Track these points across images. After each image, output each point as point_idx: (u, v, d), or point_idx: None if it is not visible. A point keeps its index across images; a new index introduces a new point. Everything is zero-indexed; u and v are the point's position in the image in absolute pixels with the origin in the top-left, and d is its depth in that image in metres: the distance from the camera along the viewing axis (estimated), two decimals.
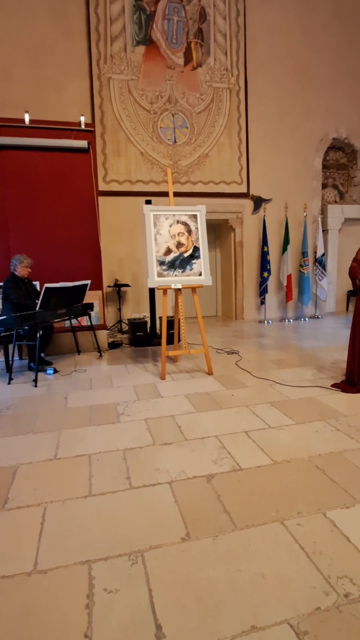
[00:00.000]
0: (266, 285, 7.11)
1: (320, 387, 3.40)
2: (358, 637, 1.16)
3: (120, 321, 6.43)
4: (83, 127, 5.01)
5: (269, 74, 7.05)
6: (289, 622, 1.21)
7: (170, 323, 5.10)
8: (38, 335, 3.83)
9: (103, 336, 5.12)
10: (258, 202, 7.20)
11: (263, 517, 1.69)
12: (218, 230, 7.86)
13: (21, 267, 4.16)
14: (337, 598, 1.29)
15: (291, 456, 2.21)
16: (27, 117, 4.78)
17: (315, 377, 3.69)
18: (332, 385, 3.41)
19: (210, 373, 3.90)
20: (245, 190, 7.13)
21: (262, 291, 7.16)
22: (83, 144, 4.90)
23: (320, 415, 2.79)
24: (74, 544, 1.57)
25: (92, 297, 5.00)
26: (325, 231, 7.69)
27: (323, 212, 7.70)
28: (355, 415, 2.77)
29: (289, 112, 7.23)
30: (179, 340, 4.46)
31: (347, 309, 8.17)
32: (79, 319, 4.81)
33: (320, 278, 7.35)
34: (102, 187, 6.29)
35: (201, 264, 4.06)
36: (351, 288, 7.95)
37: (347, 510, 1.72)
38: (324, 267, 7.34)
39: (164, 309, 3.87)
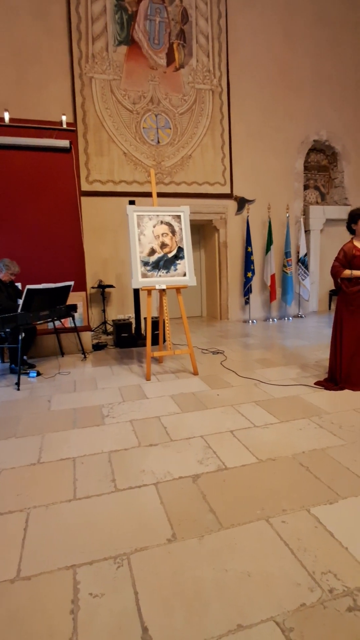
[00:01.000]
0: (250, 285, 7.17)
1: (304, 385, 3.44)
2: (342, 632, 1.17)
3: (104, 322, 6.38)
4: (64, 126, 4.96)
5: (251, 76, 7.12)
6: (275, 620, 1.22)
7: (155, 324, 5.08)
8: (20, 338, 3.76)
9: (87, 338, 5.07)
10: (241, 202, 7.26)
11: (248, 515, 1.70)
12: (202, 230, 7.89)
13: (5, 274, 4.09)
14: (322, 594, 1.30)
15: (276, 454, 2.23)
16: (7, 116, 4.69)
17: (299, 375, 3.74)
18: (315, 384, 3.46)
19: (195, 373, 3.91)
20: (228, 191, 7.17)
21: (247, 291, 7.22)
22: (65, 143, 4.84)
23: (304, 413, 2.83)
24: (58, 549, 1.54)
25: (75, 298, 4.94)
26: (307, 232, 7.80)
27: (305, 213, 7.82)
28: (337, 412, 2.81)
29: (271, 114, 7.31)
30: (164, 341, 4.46)
31: (329, 308, 8.31)
32: (62, 320, 4.75)
33: (303, 278, 7.46)
34: (85, 187, 6.23)
35: (185, 264, 4.07)
36: (333, 287, 8.09)
37: (330, 507, 1.75)
38: (306, 267, 7.45)
39: (148, 310, 3.86)
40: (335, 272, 3.30)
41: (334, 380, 3.38)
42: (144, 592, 1.33)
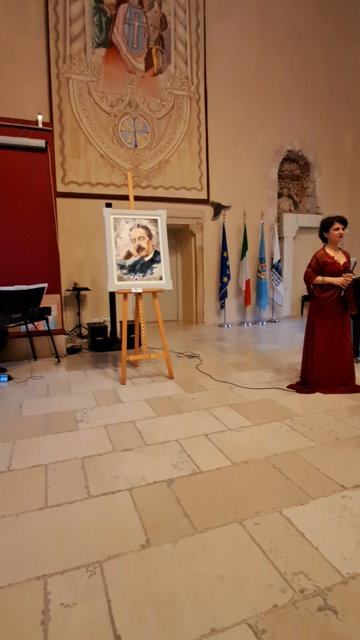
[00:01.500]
0: (226, 289, 7.26)
1: (277, 388, 3.51)
2: (313, 632, 1.20)
3: (79, 326, 6.28)
4: (40, 125, 4.87)
5: (227, 85, 7.26)
6: (248, 622, 1.23)
7: (131, 327, 5.06)
8: None
9: (61, 341, 4.98)
10: (218, 208, 7.36)
11: (222, 518, 1.71)
12: (179, 235, 7.93)
13: None
14: (293, 594, 1.32)
15: (249, 457, 2.26)
16: None
17: (272, 379, 3.81)
18: (287, 387, 3.53)
19: (171, 377, 3.91)
20: (205, 197, 7.26)
21: (222, 296, 7.30)
22: (40, 143, 4.76)
23: (276, 415, 2.88)
24: (28, 560, 1.50)
25: (49, 301, 4.85)
26: (281, 238, 8.00)
27: (279, 220, 8.02)
28: (309, 414, 2.89)
29: (247, 123, 7.47)
30: (140, 345, 4.44)
31: (301, 313, 8.53)
32: (35, 323, 4.64)
33: (277, 283, 7.63)
34: (61, 188, 6.14)
35: (162, 268, 4.07)
36: (306, 293, 8.32)
37: (302, 507, 1.78)
38: (280, 273, 7.63)
39: (124, 313, 3.83)
40: (308, 279, 3.40)
41: (306, 383, 3.46)
42: (117, 600, 1.32)
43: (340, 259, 3.33)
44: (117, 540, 1.59)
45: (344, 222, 3.30)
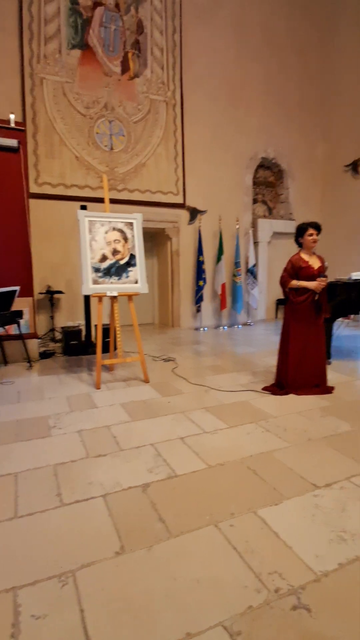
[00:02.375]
0: (202, 293, 7.31)
1: (252, 390, 3.55)
2: (287, 631, 1.21)
3: (52, 329, 6.15)
4: (13, 125, 4.76)
5: (203, 91, 7.35)
6: (223, 624, 1.23)
7: (106, 331, 4.99)
8: None
9: (34, 345, 4.85)
10: (194, 213, 7.41)
11: (198, 521, 1.71)
12: (155, 238, 7.93)
13: None
14: (268, 594, 1.33)
15: (225, 459, 2.27)
16: None
17: (247, 381, 3.85)
18: (262, 389, 3.58)
19: (146, 381, 3.88)
20: (181, 201, 7.30)
21: (198, 299, 7.34)
22: (13, 142, 4.65)
23: (252, 417, 2.91)
24: None
25: (21, 304, 4.72)
26: (256, 243, 8.14)
27: (254, 225, 8.16)
28: (283, 416, 2.93)
29: (223, 129, 7.58)
30: (115, 349, 4.38)
31: (276, 316, 8.69)
32: (6, 327, 4.50)
33: (252, 287, 7.75)
34: (34, 189, 6.02)
35: (137, 271, 4.05)
36: (280, 297, 8.49)
37: (276, 507, 1.80)
38: (255, 277, 7.75)
39: (99, 317, 3.78)
40: (283, 282, 3.47)
41: (281, 385, 3.52)
42: (90, 609, 1.28)
43: (315, 263, 3.42)
44: (90, 548, 1.56)
45: (317, 228, 3.39)
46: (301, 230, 3.43)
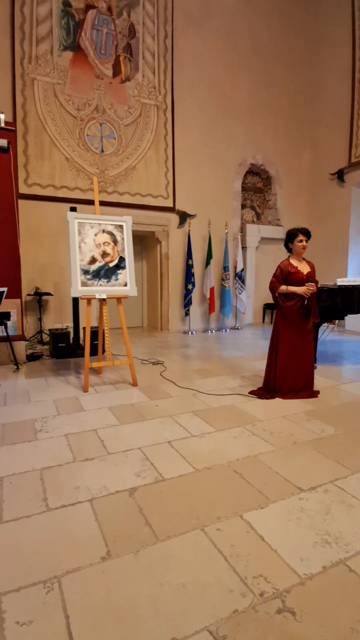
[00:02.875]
0: (190, 297, 7.33)
1: (239, 394, 3.58)
2: (272, 634, 1.22)
3: (40, 332, 6.09)
4: (3, 125, 4.72)
5: (194, 97, 7.41)
6: (209, 629, 1.23)
7: (95, 334, 4.97)
8: None
9: (21, 347, 4.79)
10: (183, 217, 7.45)
11: (184, 526, 1.71)
12: (144, 241, 7.94)
13: None
14: (253, 598, 1.34)
15: (211, 463, 2.28)
16: None
17: (235, 385, 3.88)
18: (249, 393, 3.61)
19: (134, 384, 3.88)
20: (171, 205, 7.33)
21: (187, 303, 7.37)
22: (2, 142, 4.61)
23: (238, 421, 2.93)
24: None
25: (9, 305, 4.66)
26: (244, 248, 8.22)
27: (242, 230, 8.24)
28: (269, 419, 2.96)
29: (213, 135, 7.66)
30: (103, 352, 4.37)
31: (263, 321, 8.78)
32: None
33: (240, 291, 7.82)
34: (23, 189, 5.97)
35: (127, 274, 4.05)
36: (267, 301, 8.59)
37: (261, 511, 1.82)
38: (243, 282, 7.82)
39: (87, 319, 3.77)
40: (272, 288, 3.52)
41: (267, 389, 3.56)
42: (76, 615, 1.28)
43: (304, 268, 3.47)
44: (76, 554, 1.55)
45: (307, 234, 3.45)
46: (291, 236, 3.48)
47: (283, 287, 3.44)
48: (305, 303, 3.42)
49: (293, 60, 8.42)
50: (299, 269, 3.44)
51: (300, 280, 3.41)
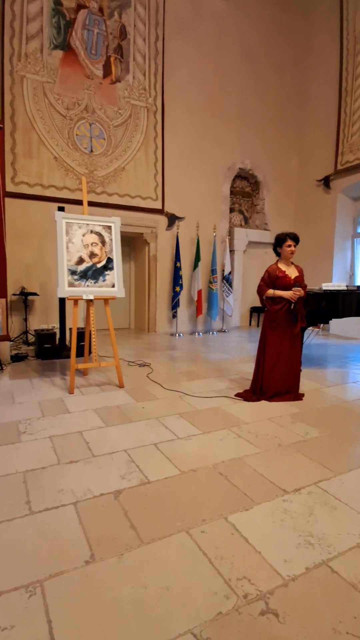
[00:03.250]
0: (178, 299, 7.34)
1: (226, 397, 3.59)
2: (256, 637, 1.23)
3: (26, 332, 6.00)
4: None
5: (184, 100, 7.45)
6: (192, 632, 1.23)
7: (81, 335, 4.93)
8: None
9: (5, 348, 4.72)
10: (172, 219, 7.47)
11: (169, 528, 1.71)
12: (133, 243, 7.92)
13: None
14: (237, 600, 1.35)
15: (197, 465, 2.29)
16: None
17: (221, 387, 3.90)
18: (235, 395, 3.63)
19: (121, 386, 3.86)
20: (160, 207, 7.33)
21: (174, 305, 7.37)
22: None
23: (224, 423, 2.95)
24: None
25: None
26: (232, 251, 8.27)
27: (230, 234, 8.30)
28: (255, 422, 2.99)
29: (202, 138, 7.70)
30: (90, 353, 4.33)
31: (249, 324, 8.84)
32: None
33: (227, 294, 7.86)
34: (10, 188, 5.89)
35: (114, 275, 4.03)
36: (254, 305, 8.66)
37: (246, 513, 1.83)
38: (230, 285, 7.87)
39: (74, 320, 3.73)
40: (260, 291, 3.56)
41: (255, 391, 3.58)
42: (58, 620, 1.26)
43: (292, 273, 3.51)
44: (59, 558, 1.53)
45: (296, 239, 3.49)
46: (280, 241, 3.52)
47: (270, 291, 3.48)
48: (292, 307, 3.46)
49: (282, 66, 8.55)
50: (286, 273, 3.49)
51: (288, 284, 3.45)
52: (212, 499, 1.94)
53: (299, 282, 3.46)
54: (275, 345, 3.50)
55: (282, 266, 3.52)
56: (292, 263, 3.59)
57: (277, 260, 3.58)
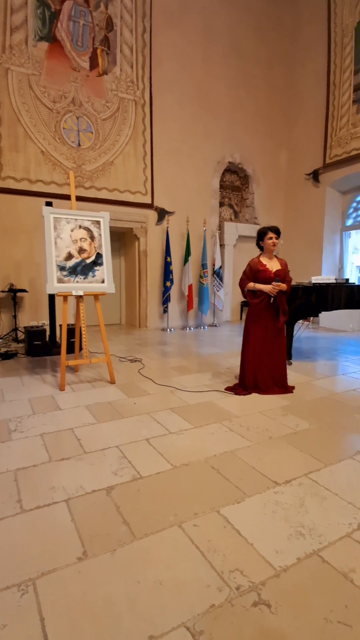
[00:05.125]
0: (169, 294, 7.33)
1: (217, 391, 3.61)
2: (248, 628, 1.24)
3: (15, 329, 5.93)
4: None
5: (173, 93, 7.37)
6: (186, 625, 1.24)
7: (71, 331, 4.89)
8: None
9: None
10: (162, 213, 7.42)
11: (162, 523, 1.72)
12: (123, 238, 7.86)
13: None
14: (230, 592, 1.36)
15: (189, 459, 2.29)
16: None
17: (212, 381, 3.91)
18: (225, 389, 3.65)
19: (112, 382, 3.84)
20: (149, 201, 7.28)
21: (165, 300, 7.36)
22: None
23: (216, 417, 2.96)
24: None
25: None
26: (222, 246, 8.27)
27: (220, 228, 8.29)
28: (246, 415, 3.00)
29: (191, 132, 7.65)
30: (80, 349, 4.30)
31: (240, 318, 8.87)
32: None
33: (218, 289, 7.87)
34: None
35: (104, 271, 4.00)
36: (245, 299, 8.69)
37: (238, 505, 1.85)
38: (221, 279, 7.88)
39: (64, 317, 3.70)
40: (241, 285, 3.58)
41: (243, 385, 3.60)
42: (51, 617, 1.26)
43: (274, 266, 3.51)
44: (51, 555, 1.52)
45: (277, 232, 3.49)
46: (261, 234, 3.52)
47: (250, 284, 3.49)
48: (272, 301, 3.46)
49: (271, 59, 8.51)
50: (267, 267, 3.48)
51: (269, 278, 3.45)
52: (204, 493, 1.95)
53: (280, 276, 3.45)
54: (257, 338, 3.52)
55: (264, 260, 3.53)
56: (276, 257, 3.60)
57: (260, 254, 3.59)
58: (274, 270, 3.48)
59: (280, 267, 3.51)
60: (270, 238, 3.46)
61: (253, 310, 3.52)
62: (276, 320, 3.50)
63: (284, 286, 3.43)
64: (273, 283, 3.41)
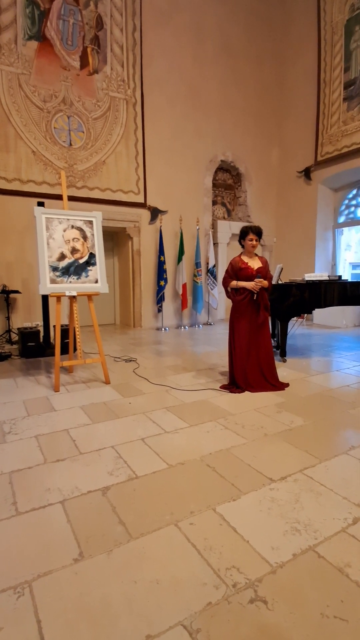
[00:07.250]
0: (163, 293, 7.32)
1: (212, 389, 3.61)
2: (245, 625, 1.24)
3: (9, 331, 5.90)
4: None
5: (164, 92, 7.36)
6: (182, 624, 1.24)
7: (65, 332, 4.87)
8: None
9: None
10: (155, 212, 7.41)
11: (158, 522, 1.72)
12: (116, 238, 7.84)
13: None
14: (226, 590, 1.36)
15: (185, 458, 2.29)
16: None
17: (207, 380, 3.92)
18: (220, 387, 3.65)
19: (107, 382, 3.83)
20: (142, 201, 7.26)
21: (159, 299, 7.35)
22: None
23: (211, 416, 2.96)
24: None
25: None
26: (215, 244, 8.28)
27: (213, 226, 8.30)
28: (241, 413, 3.01)
29: (182, 131, 7.64)
30: (75, 350, 4.29)
31: None
32: None
33: (212, 287, 7.88)
34: None
35: (97, 271, 3.99)
36: None
37: (234, 503, 1.85)
38: (215, 277, 7.88)
39: (57, 318, 3.68)
40: (224, 283, 3.62)
41: (235, 383, 3.61)
42: (48, 619, 1.25)
43: (255, 264, 3.55)
44: (47, 557, 1.51)
45: (258, 233, 3.53)
46: (243, 234, 3.57)
47: (233, 282, 3.53)
48: (255, 298, 3.49)
49: (261, 57, 8.52)
50: (248, 264, 3.53)
51: (250, 275, 3.50)
52: (200, 491, 1.96)
53: (261, 273, 3.51)
54: (243, 335, 3.54)
55: (245, 258, 3.57)
56: (256, 255, 3.64)
57: (241, 253, 3.63)
58: (255, 267, 3.51)
59: (261, 265, 3.55)
60: (251, 240, 3.50)
61: (237, 306, 3.56)
62: (259, 316, 3.54)
63: (265, 282, 3.48)
64: (255, 280, 3.45)
